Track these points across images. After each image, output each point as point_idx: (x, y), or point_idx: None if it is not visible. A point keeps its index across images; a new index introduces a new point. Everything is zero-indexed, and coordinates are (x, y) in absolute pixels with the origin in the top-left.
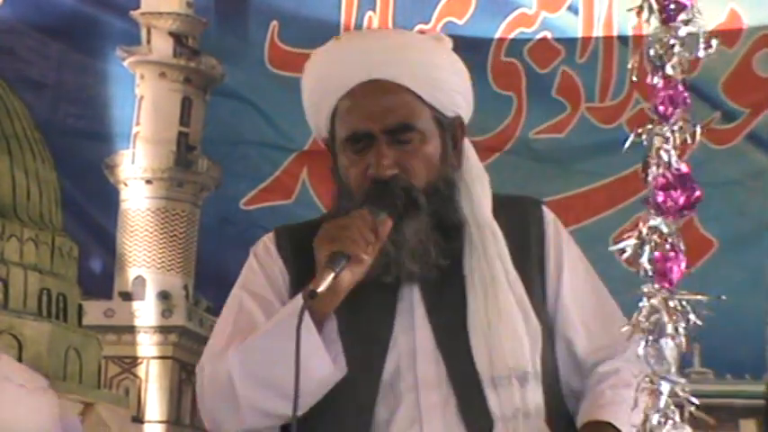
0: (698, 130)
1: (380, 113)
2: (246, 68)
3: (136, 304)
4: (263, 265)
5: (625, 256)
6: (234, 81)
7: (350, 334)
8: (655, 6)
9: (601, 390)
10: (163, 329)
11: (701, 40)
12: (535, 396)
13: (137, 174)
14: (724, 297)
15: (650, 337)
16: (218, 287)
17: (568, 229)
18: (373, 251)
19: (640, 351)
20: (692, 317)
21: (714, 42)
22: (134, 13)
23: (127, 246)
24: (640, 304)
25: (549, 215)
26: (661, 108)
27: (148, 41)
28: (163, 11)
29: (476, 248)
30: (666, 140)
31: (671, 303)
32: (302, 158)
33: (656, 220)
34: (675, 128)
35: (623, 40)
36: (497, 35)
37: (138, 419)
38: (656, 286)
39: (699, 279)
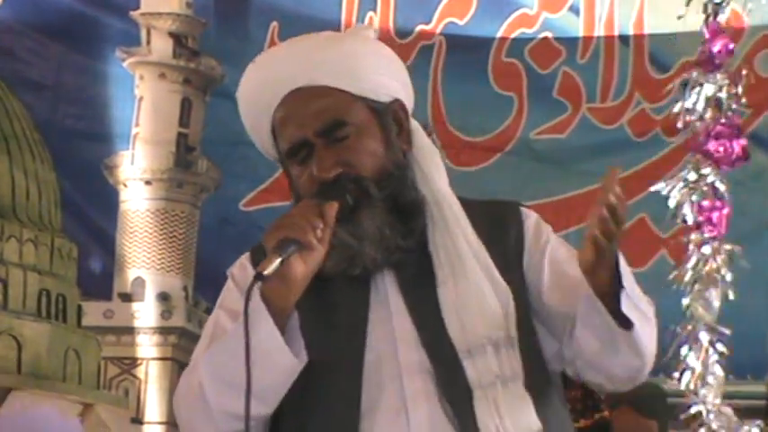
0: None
1: (310, 118)
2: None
3: (135, 305)
4: (238, 283)
5: (671, 201)
6: (234, 82)
7: (326, 327)
8: None
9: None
10: (162, 330)
11: None
12: (512, 361)
13: (136, 175)
14: None
15: (697, 286)
16: (218, 288)
17: (569, 230)
18: (324, 237)
19: (685, 301)
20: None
21: None
22: (134, 14)
23: (126, 247)
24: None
25: (527, 212)
26: (717, 53)
27: (148, 42)
28: (162, 11)
29: (437, 224)
30: (720, 89)
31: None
32: None
33: (705, 169)
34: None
35: (624, 39)
36: (498, 35)
37: (138, 420)
38: (706, 234)
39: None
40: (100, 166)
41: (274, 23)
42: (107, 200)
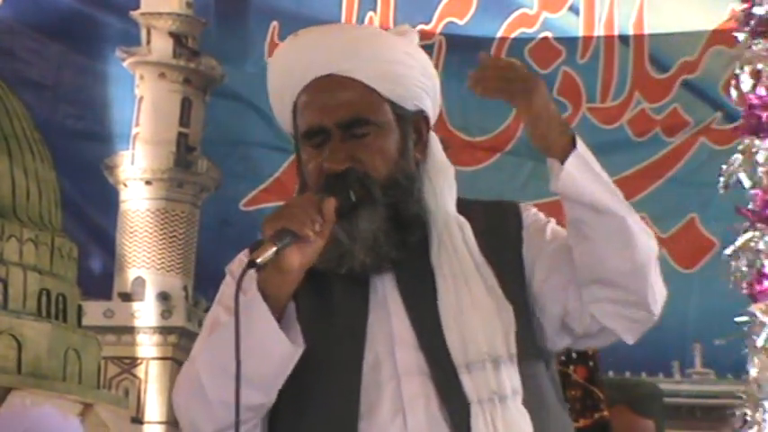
0: None
1: (334, 108)
2: (246, 69)
3: (135, 305)
4: (236, 279)
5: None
6: (234, 82)
7: (327, 329)
8: None
9: None
10: (162, 330)
11: None
12: (511, 378)
13: (136, 174)
14: None
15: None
16: (218, 288)
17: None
18: (322, 231)
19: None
20: None
21: None
22: (134, 14)
23: (126, 246)
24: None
25: (525, 206)
26: None
27: (148, 42)
28: (162, 11)
29: (443, 242)
30: None
31: None
32: None
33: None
34: None
35: (624, 39)
36: (498, 35)
37: (138, 420)
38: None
39: (700, 279)
40: (100, 166)
41: (274, 23)
42: (107, 200)
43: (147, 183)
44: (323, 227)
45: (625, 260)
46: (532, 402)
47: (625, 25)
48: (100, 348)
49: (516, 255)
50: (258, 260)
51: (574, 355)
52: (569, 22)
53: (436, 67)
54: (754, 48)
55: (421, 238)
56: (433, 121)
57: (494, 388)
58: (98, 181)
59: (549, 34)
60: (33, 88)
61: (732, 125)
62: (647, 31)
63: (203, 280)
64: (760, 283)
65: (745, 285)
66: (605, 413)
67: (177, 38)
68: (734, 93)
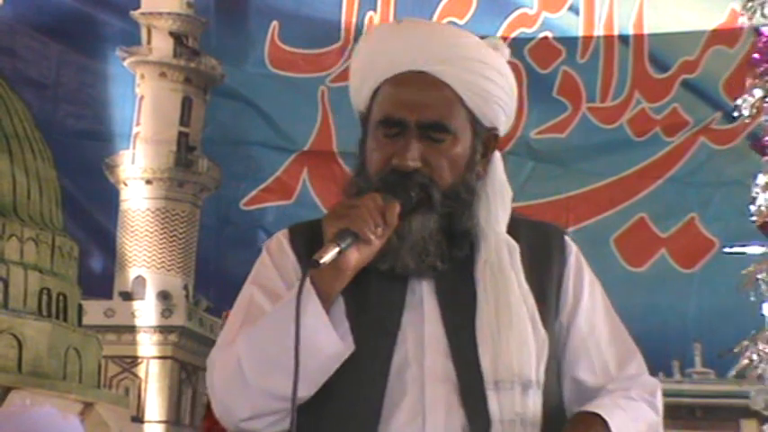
0: None
1: (419, 106)
2: (247, 68)
3: (136, 304)
4: (275, 260)
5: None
6: (234, 81)
7: (360, 322)
8: None
9: (602, 398)
10: (163, 329)
11: None
12: (535, 404)
13: (137, 174)
14: None
15: None
16: (219, 287)
17: (569, 230)
18: (383, 234)
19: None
20: None
21: None
22: (134, 14)
23: (127, 246)
24: None
25: (572, 245)
26: None
27: (149, 42)
28: (163, 11)
29: (490, 260)
30: None
31: None
32: (302, 159)
33: None
34: None
35: (624, 39)
36: (498, 35)
37: (138, 419)
38: None
39: (700, 279)
40: (100, 165)
41: (275, 23)
42: (108, 199)
43: (148, 182)
44: (384, 231)
45: None
46: (550, 431)
47: (625, 25)
48: (100, 347)
49: (555, 291)
50: (321, 261)
51: None
52: (569, 21)
53: None
54: None
55: (467, 253)
56: (502, 135)
57: (518, 411)
58: (99, 180)
59: (548, 34)
60: (34, 87)
61: (732, 125)
62: (646, 30)
63: (204, 279)
64: None
65: None
66: None
67: (178, 37)
68: None
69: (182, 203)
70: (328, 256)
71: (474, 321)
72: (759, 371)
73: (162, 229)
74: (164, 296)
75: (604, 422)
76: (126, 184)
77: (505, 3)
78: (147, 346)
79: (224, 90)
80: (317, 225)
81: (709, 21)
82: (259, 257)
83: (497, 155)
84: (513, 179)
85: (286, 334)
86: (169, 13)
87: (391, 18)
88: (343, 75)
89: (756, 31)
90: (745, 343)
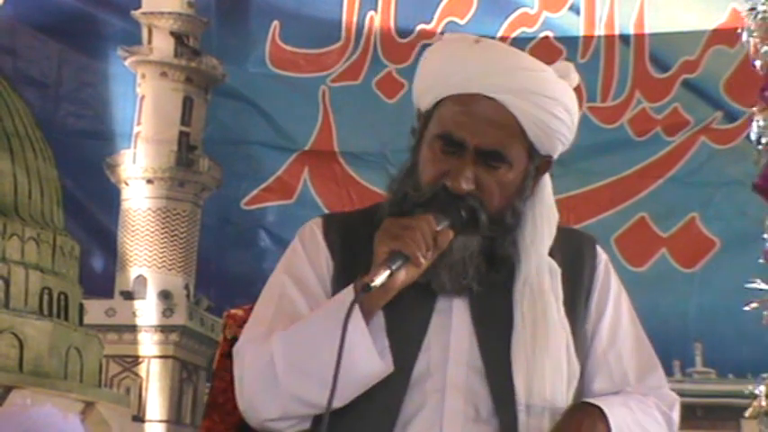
0: None
1: (481, 132)
2: (248, 68)
3: (137, 303)
4: (308, 250)
5: None
6: (235, 81)
7: (390, 335)
8: None
9: (613, 396)
10: (164, 329)
11: None
12: None
13: (138, 173)
14: None
15: None
16: (219, 286)
17: None
18: (432, 257)
19: None
20: None
21: None
22: (135, 13)
23: (128, 245)
24: None
25: (602, 255)
26: None
27: (149, 41)
28: (164, 10)
29: (530, 282)
30: None
31: None
32: (303, 158)
33: None
34: None
35: (625, 39)
36: (499, 35)
37: (139, 418)
38: None
39: (700, 279)
40: (101, 165)
41: (275, 23)
42: (109, 198)
43: (149, 181)
44: (434, 254)
45: None
46: None
47: (626, 25)
48: (101, 347)
49: (584, 301)
50: (373, 284)
51: None
52: (570, 21)
53: None
54: None
55: (500, 279)
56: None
57: None
58: (100, 179)
59: (549, 34)
60: (35, 87)
61: (733, 125)
62: (647, 30)
63: (204, 279)
64: None
65: None
66: None
67: (179, 37)
68: None
69: (183, 203)
70: (379, 279)
71: (509, 340)
72: None
73: (163, 228)
74: (165, 295)
75: (603, 416)
76: (127, 184)
77: (506, 2)
78: (148, 345)
79: (225, 90)
80: (353, 217)
81: (710, 21)
82: (291, 244)
83: (546, 178)
84: None
85: (327, 346)
86: (170, 13)
87: (392, 18)
88: (344, 75)
89: None
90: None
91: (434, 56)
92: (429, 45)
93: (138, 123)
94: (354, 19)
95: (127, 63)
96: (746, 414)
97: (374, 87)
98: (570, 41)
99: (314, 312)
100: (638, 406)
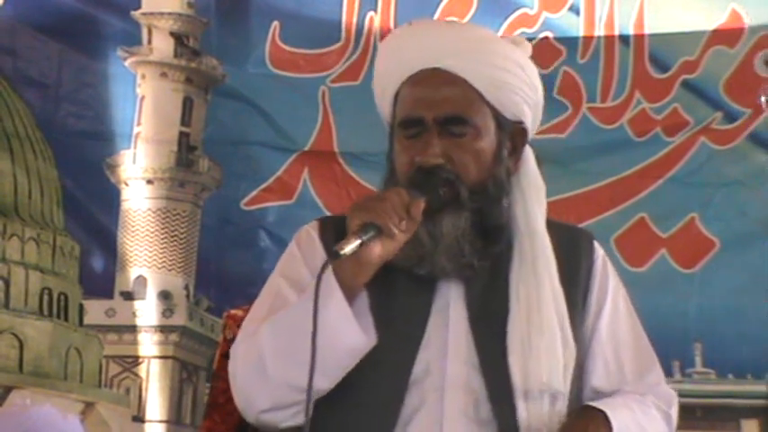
0: None
1: (436, 102)
2: (248, 69)
3: (137, 304)
4: (304, 252)
5: None
6: (235, 81)
7: (384, 324)
8: None
9: (613, 397)
10: (164, 329)
11: None
12: (561, 416)
13: (138, 174)
14: None
15: None
16: (219, 287)
17: None
18: (407, 229)
19: None
20: None
21: None
22: (135, 14)
23: (128, 245)
24: None
25: (599, 250)
26: None
27: (149, 42)
28: (164, 11)
29: (525, 258)
30: None
31: None
32: (303, 159)
33: None
34: None
35: (625, 39)
36: (499, 35)
37: (139, 419)
38: None
39: (700, 279)
40: (101, 165)
41: (275, 23)
42: (109, 198)
43: (149, 182)
44: (408, 226)
45: None
46: None
47: (625, 25)
48: (101, 347)
49: (582, 296)
50: (341, 252)
51: None
52: (570, 22)
53: None
54: None
55: (503, 251)
56: (531, 134)
57: (546, 422)
58: (100, 180)
59: (549, 34)
60: (35, 87)
61: (733, 125)
62: (647, 31)
63: (204, 279)
64: None
65: None
66: None
67: (178, 38)
68: None
69: (183, 203)
70: (349, 247)
71: (505, 327)
72: None
73: (163, 228)
74: (165, 296)
75: (607, 420)
76: (127, 184)
77: (506, 3)
78: (148, 345)
79: (225, 90)
80: (346, 220)
81: (710, 21)
82: (287, 248)
83: (528, 150)
84: None
85: (307, 327)
86: (170, 14)
87: (392, 18)
88: (344, 75)
89: None
90: None
91: (378, 60)
92: None
93: (138, 124)
94: (354, 19)
95: (127, 63)
96: None
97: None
98: (570, 42)
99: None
100: (639, 407)
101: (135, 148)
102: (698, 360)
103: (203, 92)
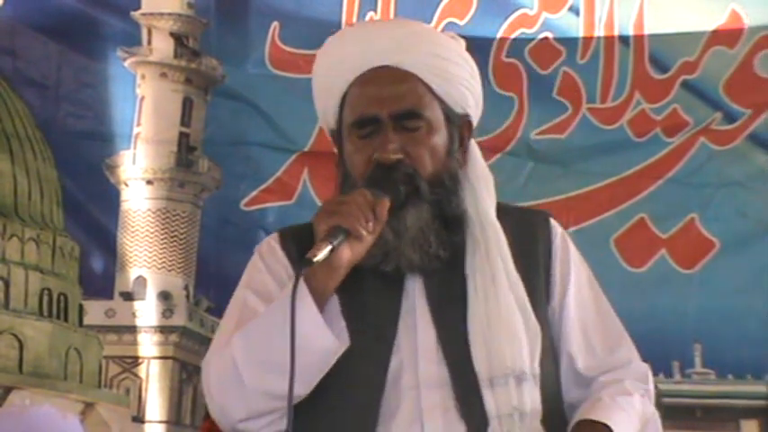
0: None
1: (389, 99)
2: (247, 69)
3: (137, 304)
4: (268, 264)
5: None
6: (235, 82)
7: (356, 326)
8: None
9: (599, 396)
10: (163, 329)
11: None
12: (532, 396)
13: (137, 174)
14: None
15: None
16: (219, 287)
17: (569, 231)
18: (374, 230)
19: None
20: None
21: None
22: (135, 14)
23: (128, 246)
24: None
25: (557, 228)
26: None
27: (149, 42)
28: (163, 11)
29: (478, 247)
30: None
31: None
32: (303, 159)
33: None
34: None
35: (624, 40)
36: (498, 35)
37: (139, 419)
38: None
39: (700, 280)
40: (101, 166)
41: (275, 24)
42: (108, 199)
43: (149, 182)
44: (375, 226)
45: None
46: (551, 423)
47: (625, 26)
48: (101, 347)
49: (544, 275)
50: (315, 259)
51: None
52: (569, 22)
53: None
54: None
55: (458, 243)
56: (474, 125)
57: (515, 404)
58: (99, 180)
59: (549, 35)
60: (34, 87)
61: (732, 125)
62: (647, 31)
63: (204, 279)
64: None
65: None
66: None
67: (178, 38)
68: None
69: (182, 204)
70: (321, 254)
71: (465, 319)
72: None
73: (163, 229)
74: (164, 296)
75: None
76: (127, 185)
77: (505, 3)
78: (148, 346)
79: (225, 90)
80: (307, 228)
81: (710, 21)
82: (250, 261)
83: (473, 143)
84: (513, 180)
85: (280, 333)
86: (170, 14)
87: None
88: None
89: None
90: None
91: (318, 68)
92: None
93: (138, 124)
94: (354, 20)
95: (126, 64)
96: None
97: None
98: (570, 42)
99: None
100: (625, 400)
101: (135, 148)
102: (697, 360)
103: (203, 92)
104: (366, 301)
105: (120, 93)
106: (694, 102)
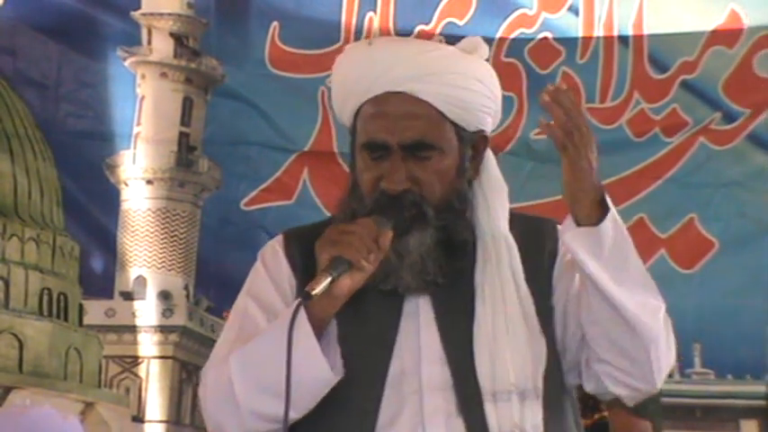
0: None
1: (400, 128)
2: (247, 69)
3: (137, 304)
4: (270, 270)
5: None
6: (234, 82)
7: (355, 337)
8: None
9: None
10: (163, 329)
11: None
12: (534, 414)
13: (137, 174)
14: None
15: None
16: (219, 287)
17: None
18: (375, 260)
19: None
20: None
21: None
22: (135, 14)
23: (128, 246)
24: None
25: (563, 230)
26: None
27: (149, 42)
28: (163, 11)
29: (489, 260)
30: None
31: None
32: (303, 159)
33: None
34: None
35: (624, 40)
36: (498, 35)
37: (139, 419)
38: None
39: (699, 279)
40: (101, 165)
41: (275, 24)
42: (108, 199)
43: (149, 182)
44: (377, 257)
45: (634, 345)
46: None
47: (624, 26)
48: (101, 347)
49: (547, 283)
50: (314, 292)
51: None
52: (569, 22)
53: None
54: None
55: (462, 267)
56: (490, 133)
57: (516, 422)
58: (99, 180)
59: (548, 35)
60: (35, 87)
61: (732, 125)
62: (646, 31)
63: (204, 279)
64: None
65: None
66: (605, 414)
67: (178, 38)
68: None
69: (182, 203)
70: (320, 287)
71: (471, 329)
72: None
73: (163, 229)
74: (164, 296)
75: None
76: (127, 184)
77: (505, 3)
78: (148, 345)
79: (224, 90)
80: (313, 230)
81: (709, 21)
82: (254, 266)
83: (489, 153)
84: (512, 179)
85: (277, 360)
86: (170, 14)
87: (391, 19)
88: None
89: None
90: None
91: (338, 70)
92: None
93: (138, 124)
94: (353, 20)
95: (126, 64)
96: None
97: None
98: (569, 42)
99: (266, 328)
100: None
101: (135, 148)
102: (697, 360)
103: (203, 92)
104: (365, 314)
105: (120, 92)
106: (693, 102)
